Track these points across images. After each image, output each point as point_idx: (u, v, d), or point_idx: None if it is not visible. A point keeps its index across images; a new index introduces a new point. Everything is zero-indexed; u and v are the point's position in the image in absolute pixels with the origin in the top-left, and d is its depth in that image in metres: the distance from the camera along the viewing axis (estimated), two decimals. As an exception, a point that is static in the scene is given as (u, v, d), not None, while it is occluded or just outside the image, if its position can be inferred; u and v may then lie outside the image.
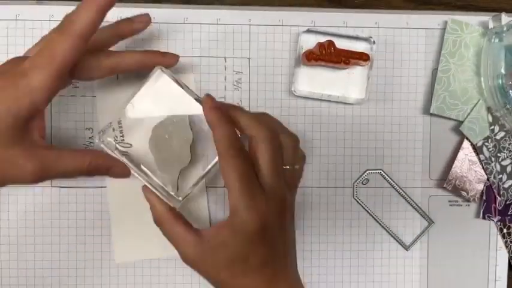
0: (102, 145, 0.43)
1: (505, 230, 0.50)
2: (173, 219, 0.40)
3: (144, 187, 0.42)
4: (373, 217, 0.49)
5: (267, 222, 0.37)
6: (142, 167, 0.43)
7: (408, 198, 0.49)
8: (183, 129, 0.43)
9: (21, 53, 0.46)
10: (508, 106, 0.46)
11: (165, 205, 0.41)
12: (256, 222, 0.36)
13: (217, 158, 0.41)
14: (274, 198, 0.38)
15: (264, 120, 0.39)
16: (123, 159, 0.42)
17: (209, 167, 0.43)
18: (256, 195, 0.37)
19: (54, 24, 0.46)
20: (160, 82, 0.42)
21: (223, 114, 0.38)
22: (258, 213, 0.36)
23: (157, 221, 0.41)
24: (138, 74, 0.46)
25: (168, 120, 0.43)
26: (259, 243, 0.37)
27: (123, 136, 0.45)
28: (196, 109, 0.42)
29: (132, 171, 0.43)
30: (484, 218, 0.49)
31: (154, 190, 0.42)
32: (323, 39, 0.47)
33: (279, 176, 0.38)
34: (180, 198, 0.43)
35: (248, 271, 0.38)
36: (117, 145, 0.44)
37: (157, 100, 0.43)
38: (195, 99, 0.42)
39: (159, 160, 0.43)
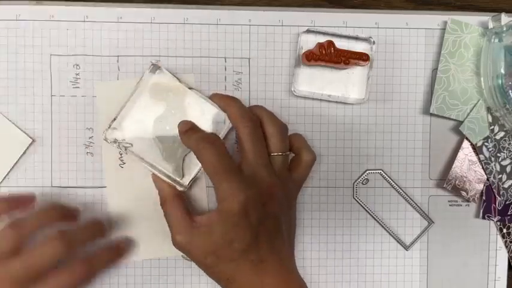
0: (106, 142, 0.45)
1: (504, 230, 0.50)
2: (175, 203, 0.43)
3: (153, 174, 0.45)
4: (373, 217, 0.49)
5: (249, 206, 0.39)
6: (146, 160, 0.45)
7: (408, 198, 0.49)
8: (183, 118, 0.45)
9: (21, 53, 0.46)
10: (507, 106, 0.47)
11: (172, 189, 0.44)
12: (238, 205, 0.39)
13: None
14: (256, 184, 0.40)
15: (247, 113, 0.43)
16: (127, 154, 0.45)
17: None
18: (235, 181, 0.39)
19: (54, 24, 0.46)
20: (154, 76, 0.45)
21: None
22: (238, 197, 0.39)
23: (162, 204, 0.44)
24: (138, 74, 0.46)
25: (167, 112, 0.45)
26: (244, 228, 0.39)
27: (124, 135, 0.45)
28: (192, 96, 0.45)
29: (141, 162, 0.45)
30: (483, 218, 0.49)
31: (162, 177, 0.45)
32: (323, 39, 0.47)
33: (259, 163, 0.41)
34: (186, 183, 0.45)
35: (233, 256, 0.39)
36: (119, 145, 0.45)
37: (154, 94, 0.45)
38: (189, 88, 0.45)
39: (163, 150, 0.45)
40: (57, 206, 0.45)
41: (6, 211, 0.42)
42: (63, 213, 0.44)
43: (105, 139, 0.45)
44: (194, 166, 0.45)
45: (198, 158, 0.41)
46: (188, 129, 0.43)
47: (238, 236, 0.39)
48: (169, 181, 0.45)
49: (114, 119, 0.45)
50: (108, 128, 0.45)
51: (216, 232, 0.39)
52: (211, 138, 0.42)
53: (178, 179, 0.45)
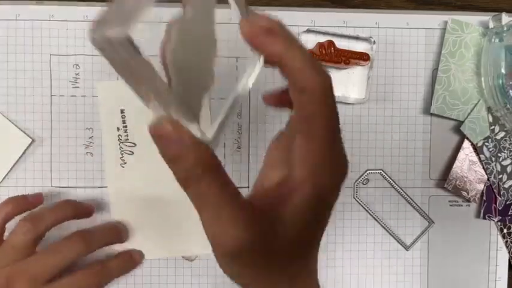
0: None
1: (505, 230, 0.50)
2: (214, 176, 0.24)
3: (155, 126, 0.24)
4: (373, 217, 0.49)
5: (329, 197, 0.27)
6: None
7: (408, 198, 0.49)
8: (207, 35, 0.30)
9: (21, 53, 0.46)
10: (508, 106, 0.46)
11: (203, 148, 0.24)
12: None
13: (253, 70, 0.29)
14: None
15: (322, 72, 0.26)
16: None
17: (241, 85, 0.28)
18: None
19: (54, 24, 0.46)
20: None
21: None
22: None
23: (187, 180, 0.24)
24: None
25: (187, 19, 0.27)
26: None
27: (127, 136, 0.45)
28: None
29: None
30: (484, 218, 0.49)
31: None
32: (323, 39, 0.46)
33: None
34: (209, 136, 0.25)
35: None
36: (121, 144, 0.44)
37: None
38: None
39: (179, 82, 0.25)
40: (71, 202, 0.45)
41: (16, 213, 0.43)
42: (77, 209, 0.44)
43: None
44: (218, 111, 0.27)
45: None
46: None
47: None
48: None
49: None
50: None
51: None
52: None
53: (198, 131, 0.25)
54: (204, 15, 0.29)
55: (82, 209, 0.45)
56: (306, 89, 0.25)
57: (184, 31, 0.27)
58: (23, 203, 0.43)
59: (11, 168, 0.46)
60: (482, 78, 0.48)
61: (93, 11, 0.46)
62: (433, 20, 0.48)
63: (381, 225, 0.49)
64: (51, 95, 0.46)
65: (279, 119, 0.48)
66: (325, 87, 0.25)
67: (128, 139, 0.45)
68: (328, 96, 0.25)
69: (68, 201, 0.45)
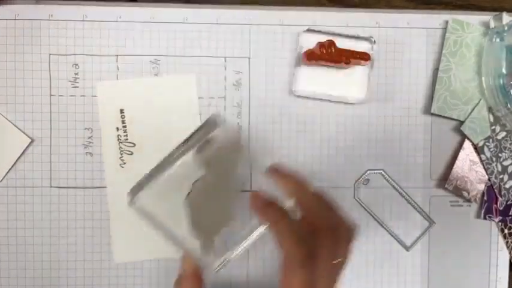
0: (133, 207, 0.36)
1: (506, 231, 0.50)
2: (191, 283, 0.36)
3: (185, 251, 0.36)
4: (373, 217, 0.49)
5: None
6: (166, 225, 0.36)
7: (409, 199, 0.49)
8: (227, 187, 0.37)
9: (20, 53, 0.46)
10: (509, 106, 0.46)
11: (195, 267, 0.36)
12: None
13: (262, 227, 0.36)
14: None
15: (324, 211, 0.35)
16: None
17: (255, 234, 0.36)
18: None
19: (54, 24, 0.46)
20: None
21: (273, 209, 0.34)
22: None
23: (176, 282, 0.37)
24: (137, 73, 0.46)
25: (209, 176, 0.36)
26: None
27: (127, 136, 0.45)
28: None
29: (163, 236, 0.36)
30: (485, 218, 0.49)
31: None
32: (323, 38, 0.46)
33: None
34: (216, 267, 0.36)
35: None
36: (120, 144, 0.43)
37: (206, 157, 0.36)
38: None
39: (195, 222, 0.36)
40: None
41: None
42: None
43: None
44: (231, 246, 0.36)
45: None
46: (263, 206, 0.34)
47: None
48: (201, 259, 0.36)
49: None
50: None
51: None
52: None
53: (205, 259, 0.36)
54: (223, 178, 0.36)
55: None
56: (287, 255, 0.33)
57: (205, 189, 0.35)
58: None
59: (10, 168, 0.46)
60: (483, 78, 0.48)
61: (93, 11, 0.46)
62: (433, 19, 0.48)
63: (382, 226, 0.49)
64: (51, 95, 0.46)
65: (279, 119, 0.48)
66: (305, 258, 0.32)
67: (127, 139, 0.45)
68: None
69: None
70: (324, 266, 0.33)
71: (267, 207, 0.34)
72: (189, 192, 0.36)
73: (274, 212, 0.33)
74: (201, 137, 0.36)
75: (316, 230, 0.34)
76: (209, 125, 0.36)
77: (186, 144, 0.36)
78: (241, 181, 0.37)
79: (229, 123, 0.40)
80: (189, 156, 0.35)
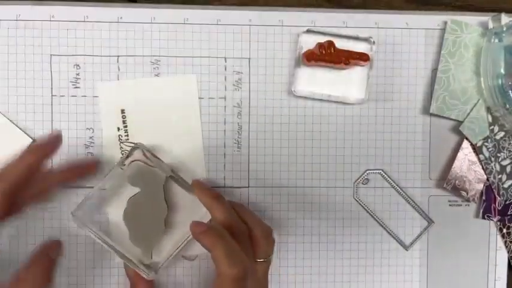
0: (75, 220, 0.44)
1: (504, 230, 0.50)
2: None
3: (125, 263, 0.44)
4: (373, 217, 0.49)
5: None
6: (113, 241, 0.45)
7: (408, 198, 0.49)
8: (158, 203, 0.45)
9: (21, 53, 0.46)
10: (507, 106, 0.47)
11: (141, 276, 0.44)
12: None
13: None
14: None
15: (234, 223, 0.41)
16: (99, 234, 0.44)
17: (184, 240, 0.44)
18: None
19: (54, 24, 0.46)
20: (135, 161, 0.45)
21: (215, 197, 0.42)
22: None
23: None
24: (138, 74, 0.46)
25: (141, 193, 0.45)
26: None
27: (128, 136, 0.45)
28: (171, 184, 0.45)
29: (103, 245, 0.44)
30: (483, 218, 0.49)
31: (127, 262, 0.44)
32: (323, 39, 0.47)
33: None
34: (153, 273, 0.44)
35: None
36: (121, 144, 0.45)
37: (132, 179, 0.45)
38: (170, 176, 0.45)
39: (133, 233, 0.45)
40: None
41: (73, 179, 0.45)
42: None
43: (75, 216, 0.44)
44: (165, 253, 0.45)
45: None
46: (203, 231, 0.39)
47: None
48: (137, 266, 0.43)
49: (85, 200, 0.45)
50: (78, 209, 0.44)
51: None
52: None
53: (146, 265, 0.44)
54: (154, 194, 0.45)
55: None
56: (220, 275, 0.37)
57: (137, 203, 0.44)
58: (78, 171, 0.45)
59: (12, 168, 0.46)
60: (482, 79, 0.48)
61: (93, 11, 0.46)
62: (432, 20, 0.49)
63: (381, 225, 0.49)
64: (52, 95, 0.47)
65: (279, 119, 0.48)
66: (236, 278, 0.37)
67: (128, 139, 0.45)
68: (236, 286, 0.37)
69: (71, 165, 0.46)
70: (251, 270, 0.40)
71: (204, 234, 0.38)
72: (125, 208, 0.44)
73: (210, 238, 0.38)
74: (124, 160, 0.44)
75: (234, 235, 0.39)
76: (132, 150, 0.44)
77: (116, 166, 0.44)
78: (170, 195, 0.46)
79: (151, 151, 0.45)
80: (120, 176, 0.44)
